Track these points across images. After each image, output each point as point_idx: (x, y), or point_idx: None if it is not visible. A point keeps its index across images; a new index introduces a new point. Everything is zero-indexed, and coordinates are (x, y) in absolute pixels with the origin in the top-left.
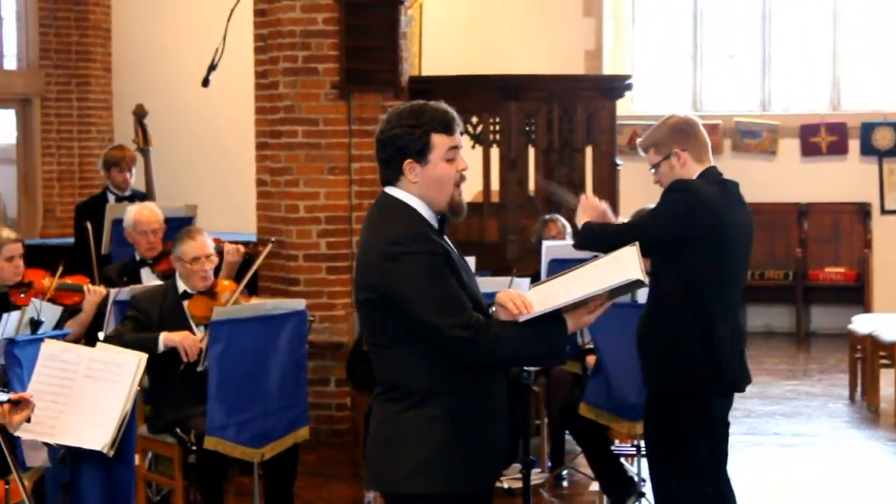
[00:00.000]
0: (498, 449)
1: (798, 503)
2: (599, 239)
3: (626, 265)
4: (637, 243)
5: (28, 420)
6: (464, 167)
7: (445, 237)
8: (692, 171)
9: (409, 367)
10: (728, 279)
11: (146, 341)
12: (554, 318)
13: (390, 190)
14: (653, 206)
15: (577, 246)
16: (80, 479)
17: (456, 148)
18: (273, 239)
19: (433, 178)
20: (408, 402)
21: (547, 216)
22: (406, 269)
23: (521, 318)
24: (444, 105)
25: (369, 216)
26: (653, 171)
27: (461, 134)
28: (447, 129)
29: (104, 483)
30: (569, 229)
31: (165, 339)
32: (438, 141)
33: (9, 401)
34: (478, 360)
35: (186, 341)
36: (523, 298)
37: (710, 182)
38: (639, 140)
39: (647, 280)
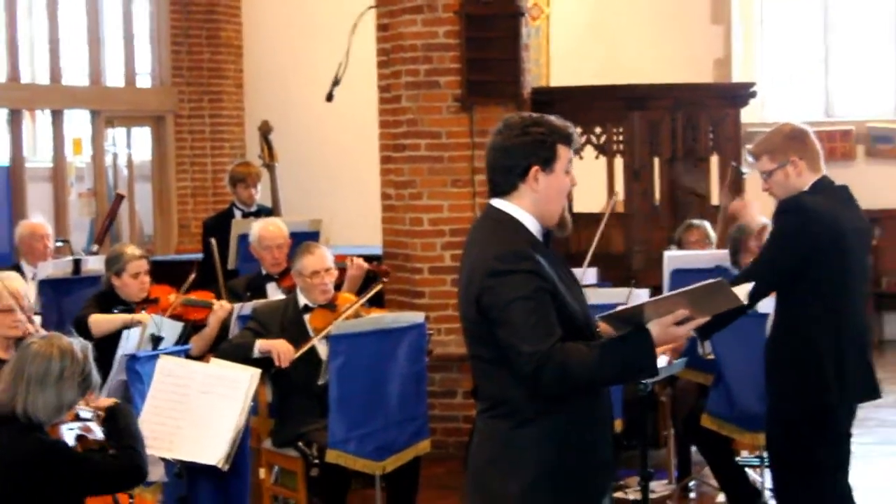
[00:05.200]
0: (605, 465)
1: None
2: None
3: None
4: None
5: None
6: (575, 182)
7: (550, 251)
8: (807, 180)
9: (516, 384)
10: (851, 288)
11: (243, 347)
12: (636, 332)
13: (498, 203)
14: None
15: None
16: (196, 493)
17: (571, 161)
18: (385, 279)
19: (555, 188)
20: (515, 421)
21: (693, 221)
22: (504, 286)
23: (598, 316)
24: (561, 119)
25: (476, 229)
26: (764, 178)
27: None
28: (569, 141)
29: (220, 497)
30: (712, 237)
31: (260, 345)
32: (563, 152)
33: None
34: (551, 388)
35: (280, 347)
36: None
37: (824, 191)
38: (749, 146)
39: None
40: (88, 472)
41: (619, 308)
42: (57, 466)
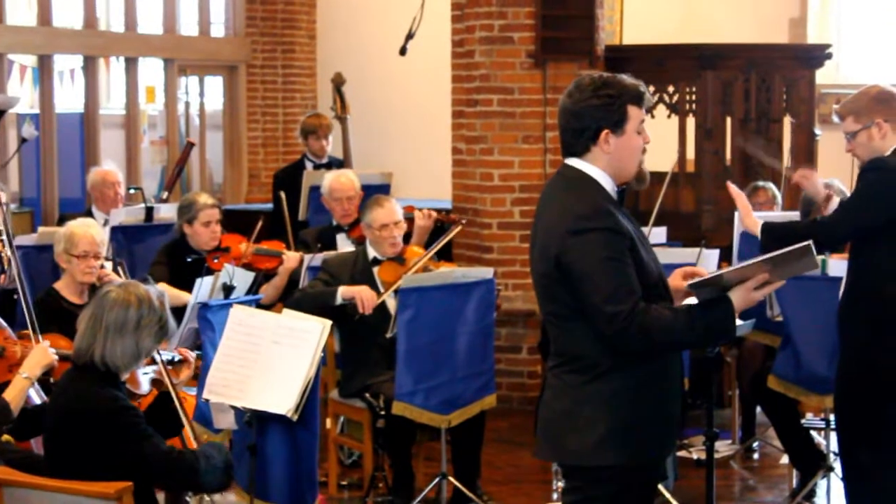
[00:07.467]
0: (675, 420)
1: None
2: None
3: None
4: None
5: (194, 377)
6: (648, 140)
7: (623, 209)
8: (890, 143)
9: (591, 340)
10: None
11: (325, 294)
12: (719, 298)
13: (573, 162)
14: (824, 180)
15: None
16: (265, 442)
17: (643, 121)
18: (464, 221)
19: (626, 147)
20: (590, 375)
21: (759, 182)
22: (587, 244)
23: (686, 286)
24: (632, 78)
25: (551, 188)
26: (848, 139)
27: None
28: (640, 101)
29: (289, 446)
30: (778, 199)
31: (344, 292)
32: (633, 113)
33: (171, 360)
34: (632, 349)
35: (364, 293)
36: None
37: None
38: (836, 106)
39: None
40: (147, 449)
41: (707, 276)
42: (120, 430)
